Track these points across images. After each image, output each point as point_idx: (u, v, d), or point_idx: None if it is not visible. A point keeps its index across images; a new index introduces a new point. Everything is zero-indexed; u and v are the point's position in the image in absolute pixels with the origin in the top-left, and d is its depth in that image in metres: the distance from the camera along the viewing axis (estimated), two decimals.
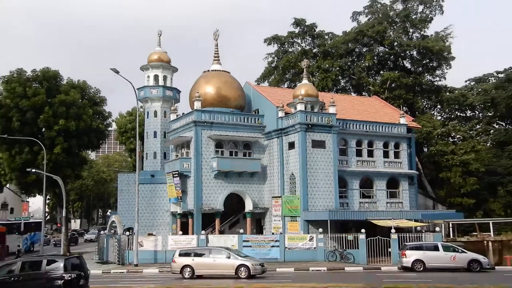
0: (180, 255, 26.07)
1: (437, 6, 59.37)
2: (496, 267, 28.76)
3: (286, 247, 32.33)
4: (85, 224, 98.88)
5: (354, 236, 31.48)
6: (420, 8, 60.20)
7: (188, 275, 24.99)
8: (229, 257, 25.24)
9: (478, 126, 60.61)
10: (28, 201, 79.35)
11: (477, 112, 62.89)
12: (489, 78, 62.92)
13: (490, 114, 60.88)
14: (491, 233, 35.22)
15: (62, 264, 18.03)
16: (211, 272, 25.14)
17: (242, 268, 24.50)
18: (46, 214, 61.71)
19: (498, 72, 61.59)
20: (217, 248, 27.03)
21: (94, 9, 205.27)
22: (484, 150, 51.17)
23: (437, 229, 33.69)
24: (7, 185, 67.41)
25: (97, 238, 58.16)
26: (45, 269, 18.00)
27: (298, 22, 61.20)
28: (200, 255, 25.84)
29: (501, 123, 61.41)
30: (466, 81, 64.56)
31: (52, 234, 65.72)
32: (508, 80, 57.43)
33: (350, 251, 31.26)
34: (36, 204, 77.62)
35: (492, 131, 59.87)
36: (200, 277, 24.95)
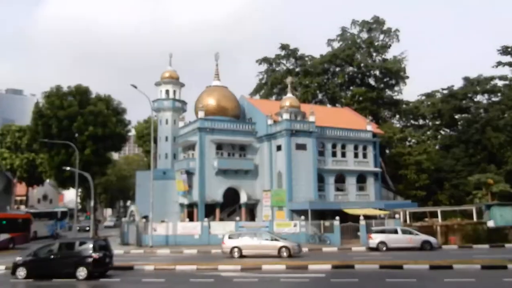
0: (229, 238, 24.69)
1: (394, 36, 59.87)
2: (442, 246, 28.87)
3: (274, 232, 32.13)
4: (115, 212, 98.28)
5: (330, 223, 31.40)
6: (381, 37, 60.62)
7: (237, 255, 23.76)
8: (272, 240, 24.15)
9: (428, 133, 61.03)
10: (63, 194, 78.85)
11: (427, 121, 63.32)
12: (436, 93, 63.36)
13: (437, 123, 61.36)
14: (439, 219, 35.31)
15: (91, 245, 17.93)
16: (256, 252, 23.76)
17: (283, 249, 23.48)
18: (78, 205, 61.14)
19: (443, 89, 62.10)
20: (261, 232, 26.14)
21: (113, 36, 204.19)
22: (433, 152, 51.56)
23: (397, 216, 33.74)
24: (48, 180, 66.97)
25: (115, 225, 57.73)
26: (78, 249, 17.94)
27: (283, 47, 61.35)
28: (247, 237, 24.57)
29: (446, 130, 61.93)
30: (418, 96, 65.11)
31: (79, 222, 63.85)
32: (451, 96, 58.05)
33: (327, 234, 31.18)
34: (70, 196, 77.12)
35: (439, 136, 60.37)
36: (245, 256, 23.68)
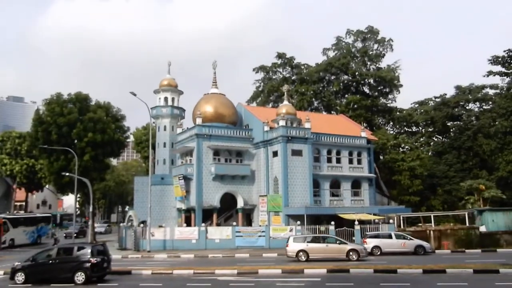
0: (294, 241, 23.82)
1: (388, 45, 60.42)
2: (436, 251, 28.87)
3: (270, 237, 31.87)
4: (119, 217, 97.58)
5: (326, 227, 31.33)
6: (375, 46, 61.09)
7: (304, 258, 22.92)
8: (340, 243, 23.58)
9: (421, 139, 61.28)
10: (62, 199, 78.35)
11: (420, 128, 63.58)
12: (429, 101, 63.75)
13: (430, 130, 61.59)
14: (432, 224, 35.36)
15: (89, 250, 17.82)
16: (324, 256, 23.00)
17: (352, 252, 22.91)
18: (77, 210, 60.68)
19: (435, 97, 62.51)
20: (327, 235, 25.45)
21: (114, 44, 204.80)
22: (426, 158, 51.64)
23: (391, 221, 33.73)
24: (47, 186, 66.51)
25: (105, 231, 56.82)
26: (76, 254, 17.80)
27: (280, 55, 61.70)
28: (313, 241, 23.85)
29: (439, 137, 62.17)
30: (411, 104, 65.48)
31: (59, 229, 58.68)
32: (443, 104, 58.39)
33: None
34: (69, 201, 76.70)
35: (432, 143, 60.55)
36: (312, 260, 22.78)
